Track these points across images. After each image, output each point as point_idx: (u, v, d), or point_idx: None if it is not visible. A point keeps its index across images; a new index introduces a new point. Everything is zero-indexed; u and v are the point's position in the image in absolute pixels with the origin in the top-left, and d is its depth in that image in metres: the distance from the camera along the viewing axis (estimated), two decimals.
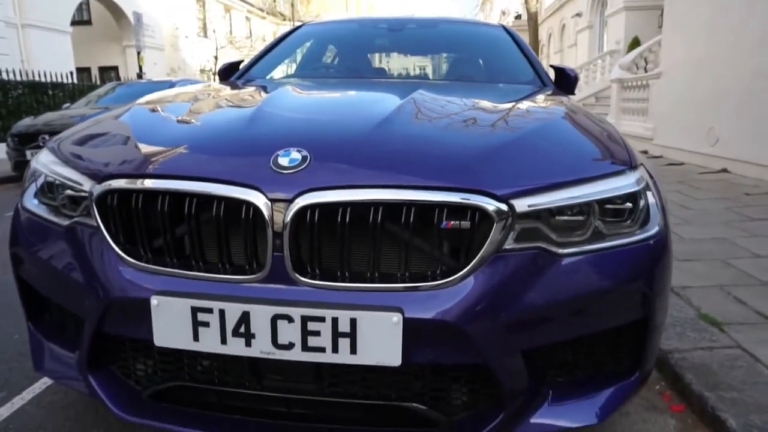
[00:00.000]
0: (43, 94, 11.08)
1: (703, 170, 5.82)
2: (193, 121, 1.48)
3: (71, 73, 12.22)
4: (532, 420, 1.24)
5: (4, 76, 10.20)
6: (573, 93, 2.67)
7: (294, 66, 2.97)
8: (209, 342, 1.14)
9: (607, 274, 1.23)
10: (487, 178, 1.16)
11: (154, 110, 1.64)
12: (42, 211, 1.41)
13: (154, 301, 1.15)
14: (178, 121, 1.47)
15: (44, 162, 1.47)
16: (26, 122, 7.22)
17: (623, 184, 1.29)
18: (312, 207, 1.11)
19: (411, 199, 1.11)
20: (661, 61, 7.40)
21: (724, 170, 5.64)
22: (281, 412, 1.26)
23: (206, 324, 1.14)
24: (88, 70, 17.94)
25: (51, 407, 1.68)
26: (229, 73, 2.87)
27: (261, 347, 1.13)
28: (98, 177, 1.27)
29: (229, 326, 1.13)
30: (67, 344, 1.40)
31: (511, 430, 1.22)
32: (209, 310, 1.13)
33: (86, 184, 1.29)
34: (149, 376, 1.31)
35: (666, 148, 7.13)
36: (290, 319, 1.10)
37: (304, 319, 1.10)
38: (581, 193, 1.22)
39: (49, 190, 1.41)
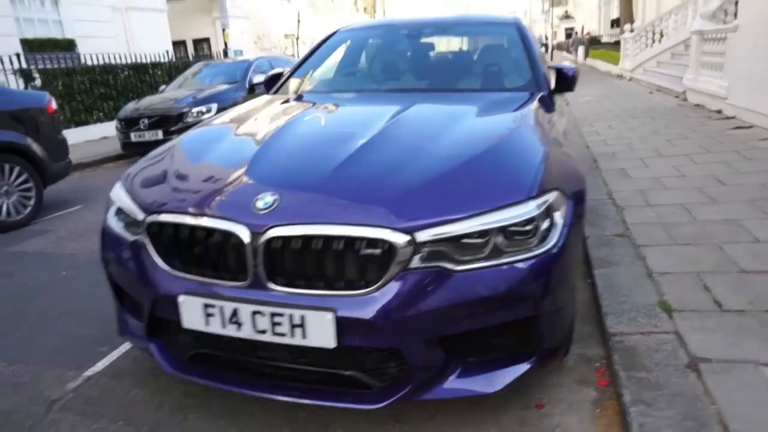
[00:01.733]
0: (145, 74, 12.39)
1: (766, 137, 5.57)
2: (211, 164, 2.03)
3: (167, 52, 13.44)
4: (444, 386, 1.70)
5: (113, 59, 11.54)
6: (571, 90, 2.92)
7: (327, 71, 3.44)
8: (215, 326, 1.72)
9: (497, 284, 1.62)
10: (396, 217, 1.60)
11: (191, 149, 2.22)
12: (118, 228, 2.04)
13: (181, 298, 1.74)
14: (205, 164, 2.03)
15: (117, 193, 2.10)
16: (130, 107, 8.30)
17: (521, 212, 1.66)
18: (275, 238, 1.62)
19: (339, 234, 1.59)
20: (739, 13, 6.90)
21: None
22: (270, 374, 1.82)
23: (212, 315, 1.71)
24: (183, 43, 19.44)
25: (135, 360, 2.38)
26: (273, 83, 3.43)
27: (247, 332, 1.68)
28: (147, 211, 1.87)
29: (226, 317, 1.69)
30: (137, 319, 2.05)
31: (426, 393, 1.69)
32: (213, 306, 1.70)
33: (140, 215, 1.89)
34: (186, 346, 1.92)
35: (740, 108, 6.76)
36: (263, 314, 1.64)
37: (272, 314, 1.63)
38: (480, 222, 1.63)
39: (121, 212, 2.03)
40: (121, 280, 2.05)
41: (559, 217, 1.77)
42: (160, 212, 1.84)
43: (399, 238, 1.57)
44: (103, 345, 2.50)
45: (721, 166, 4.74)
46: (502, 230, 1.65)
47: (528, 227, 1.68)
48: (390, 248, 1.57)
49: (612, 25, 29.97)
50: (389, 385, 1.71)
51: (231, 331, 1.71)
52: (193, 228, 1.75)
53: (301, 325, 1.62)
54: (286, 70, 3.55)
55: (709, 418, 1.68)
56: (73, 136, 10.27)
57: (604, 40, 27.91)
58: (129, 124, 7.90)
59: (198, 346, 1.89)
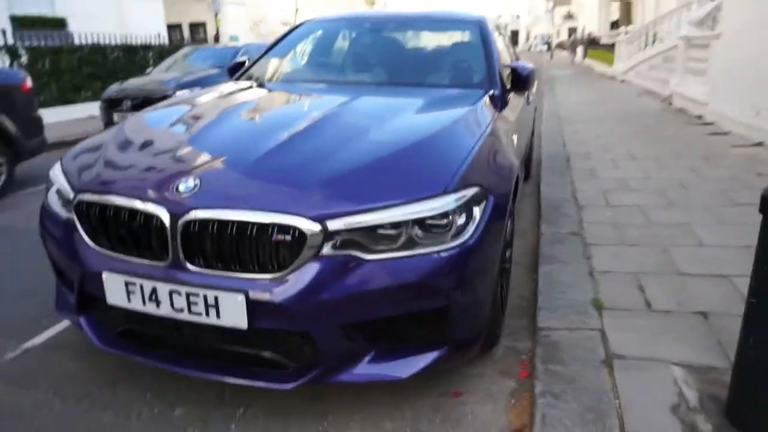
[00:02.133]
0: (135, 56, 12.34)
1: (738, 144, 5.63)
2: (145, 147, 2.06)
3: (159, 35, 13.38)
4: (355, 371, 1.75)
5: (103, 40, 11.49)
6: (526, 89, 2.96)
7: (290, 61, 3.46)
8: (136, 303, 1.76)
9: (408, 274, 1.67)
10: (309, 205, 1.64)
11: (131, 131, 2.25)
12: (55, 206, 2.07)
13: (105, 275, 1.78)
14: (139, 147, 2.07)
15: (55, 172, 2.13)
16: (114, 88, 8.28)
17: (435, 206, 1.70)
18: (192, 221, 1.66)
19: (253, 220, 1.63)
20: (721, 21, 6.94)
21: (760, 144, 5.43)
22: (194, 352, 1.86)
23: (133, 292, 1.75)
24: (179, 26, 19.32)
25: (75, 334, 2.43)
26: (235, 71, 3.46)
27: (165, 310, 1.72)
28: (76, 190, 1.90)
29: (146, 295, 1.73)
30: (71, 294, 2.09)
31: (337, 375, 1.74)
32: (134, 284, 1.74)
33: (70, 194, 1.93)
34: (115, 321, 1.96)
35: (718, 115, 6.82)
36: (179, 293, 1.69)
37: (188, 294, 1.68)
38: (393, 214, 1.67)
39: (58, 192, 2.07)
40: (55, 256, 2.09)
41: (477, 212, 1.81)
42: (86, 192, 1.87)
43: (310, 226, 1.61)
44: (45, 319, 2.54)
45: (688, 171, 4.80)
46: (418, 222, 1.69)
47: (444, 221, 1.72)
48: (300, 235, 1.61)
49: (612, 27, 29.97)
50: (302, 366, 1.75)
51: (151, 308, 1.75)
52: (118, 208, 1.79)
53: (215, 306, 1.66)
54: (250, 58, 3.58)
55: (608, 412, 1.74)
56: (60, 114, 10.27)
57: (603, 41, 27.88)
58: (112, 104, 7.88)
59: (126, 322, 1.93)
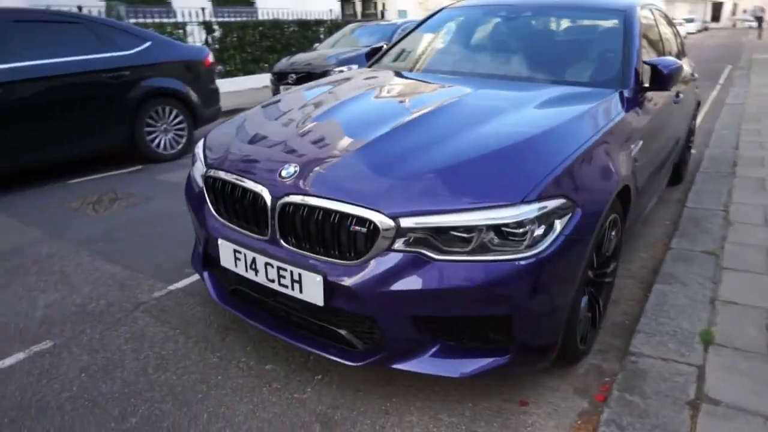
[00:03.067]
0: (308, 30, 13.36)
1: None
2: (268, 130, 2.34)
3: (330, 11, 14.26)
4: (417, 360, 1.85)
5: (282, 15, 12.62)
6: (666, 88, 2.72)
7: (423, 48, 3.55)
8: (240, 269, 2.06)
9: (474, 279, 1.70)
10: (387, 202, 1.75)
11: (262, 114, 2.56)
12: (195, 176, 2.46)
13: (220, 241, 2.11)
14: (261, 131, 2.35)
15: (198, 148, 2.51)
16: (283, 62, 9.11)
17: (511, 214, 1.71)
18: (287, 204, 1.88)
19: (336, 209, 1.79)
20: None
21: None
22: (283, 317, 2.12)
23: (239, 259, 2.05)
24: (352, 1, 20.30)
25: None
26: (371, 57, 3.67)
27: (261, 278, 1.99)
28: (207, 165, 2.25)
29: (248, 263, 2.02)
30: (199, 252, 2.48)
31: (400, 363, 1.86)
32: (240, 252, 2.03)
33: (203, 169, 2.28)
34: (229, 280, 2.30)
35: None
36: (272, 266, 1.93)
37: (278, 268, 1.92)
38: (466, 218, 1.72)
39: (197, 166, 2.45)
40: (193, 219, 2.49)
41: (559, 225, 1.76)
42: (214, 168, 2.20)
43: (384, 221, 1.72)
44: (189, 268, 3.03)
45: None
46: (492, 228, 1.71)
47: (520, 230, 1.72)
48: (375, 228, 1.73)
49: None
50: (369, 348, 1.91)
51: (251, 275, 2.03)
52: (234, 185, 2.08)
53: (299, 282, 1.88)
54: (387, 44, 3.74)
55: None
56: (239, 84, 11.62)
57: None
58: (280, 77, 8.71)
59: (237, 282, 2.25)
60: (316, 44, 10.70)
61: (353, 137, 2.12)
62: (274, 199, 1.93)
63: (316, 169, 1.95)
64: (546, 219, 1.75)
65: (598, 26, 3.15)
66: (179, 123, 5.75)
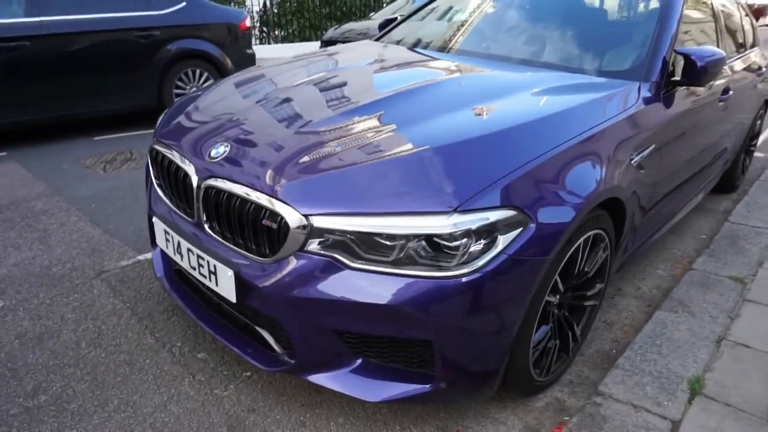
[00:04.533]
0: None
1: None
2: (219, 106, 2.15)
3: None
4: (332, 375, 1.66)
5: None
6: (700, 84, 2.31)
7: (427, 23, 3.24)
8: (170, 250, 1.92)
9: (387, 293, 1.46)
10: (302, 196, 1.53)
11: (215, 93, 2.35)
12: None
13: (154, 219, 1.97)
14: (210, 107, 2.16)
15: (161, 116, 2.38)
16: (331, 31, 8.90)
17: (439, 224, 1.45)
18: (210, 187, 1.71)
19: (251, 199, 1.59)
20: None
21: None
22: (214, 307, 1.97)
23: (169, 240, 1.91)
24: None
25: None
26: (384, 28, 3.41)
27: (186, 264, 1.84)
28: (154, 135, 2.11)
29: (174, 246, 1.87)
30: None
31: (313, 374, 1.67)
32: (168, 233, 1.89)
33: (153, 139, 2.14)
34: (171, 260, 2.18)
35: None
36: (193, 253, 1.78)
37: (198, 256, 1.76)
38: (387, 223, 1.47)
39: None
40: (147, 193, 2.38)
41: (502, 241, 1.48)
42: (157, 141, 2.06)
43: (294, 218, 1.51)
44: None
45: None
46: (417, 238, 1.46)
47: (452, 243, 1.46)
48: (286, 225, 1.53)
49: None
50: (285, 355, 1.72)
51: (178, 259, 1.89)
52: (170, 160, 1.93)
53: (215, 273, 1.71)
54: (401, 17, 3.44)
55: None
56: (295, 49, 11.51)
57: None
58: (327, 45, 8.52)
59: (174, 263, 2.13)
60: (373, 13, 10.38)
61: (297, 119, 1.90)
62: (200, 179, 1.76)
63: (246, 151, 1.76)
64: (487, 233, 1.47)
65: (636, 5, 2.71)
66: None
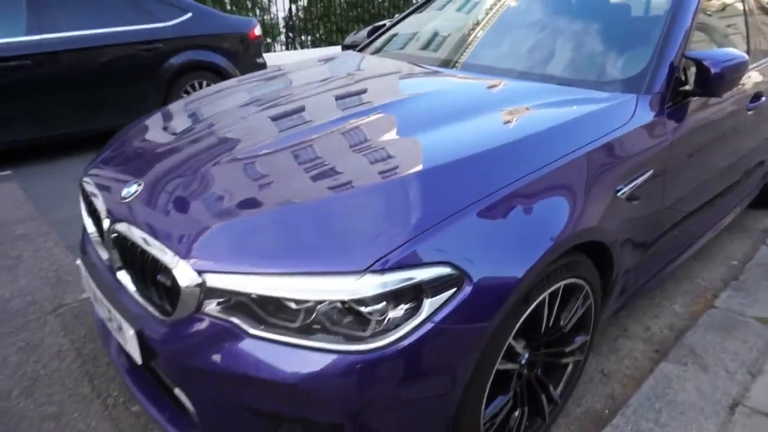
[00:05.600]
0: (399, 0, 12.76)
1: None
2: (154, 135, 1.96)
3: None
4: None
5: None
6: (714, 94, 1.97)
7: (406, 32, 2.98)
8: (90, 295, 1.74)
9: (290, 369, 1.22)
10: (196, 249, 1.31)
11: (166, 114, 2.18)
12: None
13: (78, 261, 1.81)
14: (134, 137, 1.97)
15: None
16: (352, 36, 8.71)
17: (349, 287, 1.20)
18: (116, 231, 1.51)
19: (147, 249, 1.38)
20: None
21: None
22: None
23: (87, 284, 1.73)
24: None
25: None
26: (373, 32, 3.19)
27: (103, 313, 1.65)
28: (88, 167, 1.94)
29: (91, 290, 1.69)
30: None
31: None
32: (86, 276, 1.71)
33: None
34: None
35: None
36: (103, 302, 1.58)
37: (107, 307, 1.56)
38: (291, 286, 1.23)
39: None
40: None
41: (428, 306, 1.21)
42: (85, 173, 1.89)
43: (185, 275, 1.28)
44: None
45: None
46: (328, 302, 1.21)
47: (365, 309, 1.20)
48: (178, 282, 1.31)
49: None
50: (187, 419, 1.51)
51: (96, 305, 1.71)
52: (90, 198, 1.75)
53: (120, 330, 1.52)
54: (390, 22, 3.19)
55: None
56: (322, 54, 11.41)
57: None
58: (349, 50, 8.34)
59: None
60: (398, 15, 10.13)
61: (222, 152, 1.68)
62: (111, 221, 1.57)
63: (156, 192, 1.55)
64: (411, 296, 1.21)
65: (645, 5, 2.35)
66: None
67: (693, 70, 1.97)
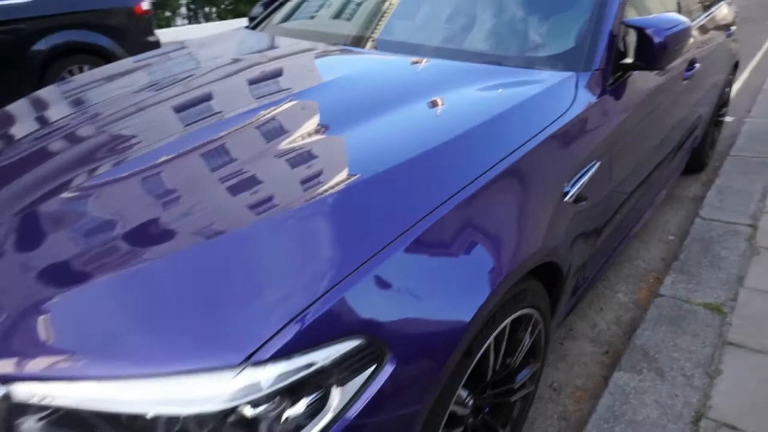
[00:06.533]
0: None
1: None
2: None
3: None
4: None
5: None
6: (656, 66, 1.71)
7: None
8: None
9: None
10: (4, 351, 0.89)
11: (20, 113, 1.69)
12: None
13: None
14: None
15: None
16: (257, 8, 8.04)
17: (218, 393, 0.83)
18: None
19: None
20: None
21: None
22: None
23: None
24: None
25: None
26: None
27: None
28: None
29: None
30: None
31: None
32: None
33: None
34: None
35: None
36: None
37: None
38: (128, 396, 0.85)
39: None
40: None
41: (336, 397, 0.88)
42: None
43: None
44: None
45: None
46: (190, 419, 0.84)
47: (254, 411, 0.85)
48: None
49: None
50: None
51: None
52: None
53: None
54: None
55: None
56: (224, 28, 10.57)
57: None
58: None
59: None
60: None
61: (64, 185, 1.23)
62: None
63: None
64: (313, 386, 0.87)
65: None
66: None
67: (631, 39, 1.72)
